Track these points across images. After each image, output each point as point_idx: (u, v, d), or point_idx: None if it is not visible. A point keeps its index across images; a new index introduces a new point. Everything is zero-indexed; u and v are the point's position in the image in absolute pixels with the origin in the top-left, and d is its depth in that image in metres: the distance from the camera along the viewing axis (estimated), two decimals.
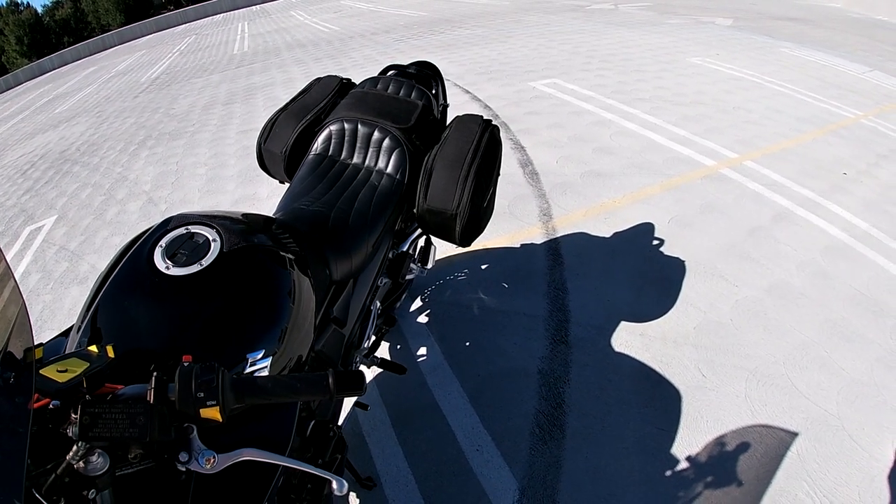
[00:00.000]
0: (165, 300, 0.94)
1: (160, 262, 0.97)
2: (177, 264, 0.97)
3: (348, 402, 1.75)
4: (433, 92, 2.04)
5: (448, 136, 1.77)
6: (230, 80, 9.32)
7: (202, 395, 0.69)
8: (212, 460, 0.73)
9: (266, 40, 14.00)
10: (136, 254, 1.01)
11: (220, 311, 0.96)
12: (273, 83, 8.24)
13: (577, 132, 4.42)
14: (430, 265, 2.28)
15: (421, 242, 2.23)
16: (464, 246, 1.81)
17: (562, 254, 2.85)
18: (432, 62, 2.23)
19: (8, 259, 3.54)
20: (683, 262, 2.70)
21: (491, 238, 3.08)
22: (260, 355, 0.95)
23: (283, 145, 1.83)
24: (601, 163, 3.83)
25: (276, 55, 11.07)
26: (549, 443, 1.86)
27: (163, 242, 1.01)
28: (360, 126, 1.75)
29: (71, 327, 1.03)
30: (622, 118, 4.63)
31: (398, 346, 2.40)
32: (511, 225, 3.20)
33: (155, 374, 0.72)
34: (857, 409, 1.91)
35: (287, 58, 10.47)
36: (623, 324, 2.33)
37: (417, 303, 2.63)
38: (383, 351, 2.38)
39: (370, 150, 1.74)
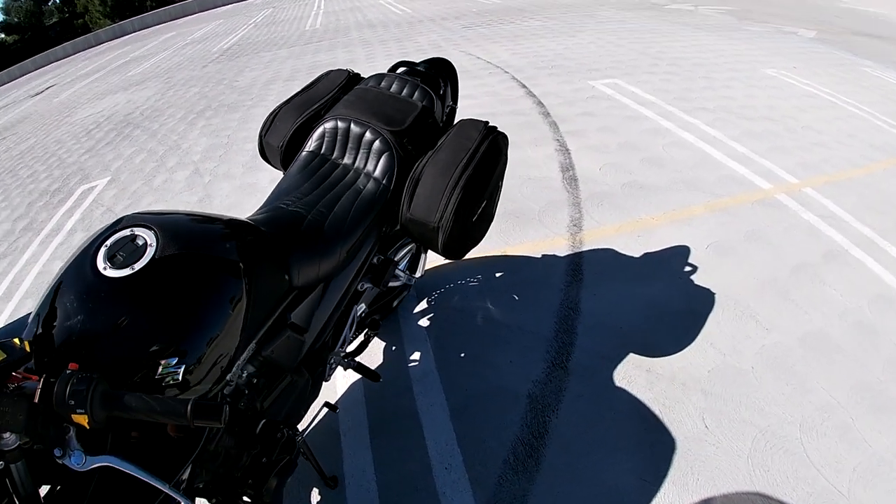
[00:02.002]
0: (94, 300, 0.98)
1: (101, 262, 1.02)
2: (113, 266, 1.01)
3: (316, 404, 1.77)
4: (440, 93, 2.01)
5: (444, 141, 1.74)
6: (296, 56, 9.62)
7: (73, 402, 0.77)
8: (82, 460, 0.80)
9: (339, 18, 14.32)
10: (85, 251, 1.06)
11: (138, 315, 0.98)
12: (336, 63, 8.42)
13: (628, 138, 4.24)
14: (418, 274, 2.26)
15: (412, 249, 2.21)
16: (450, 259, 1.77)
17: (583, 270, 2.75)
18: (448, 60, 2.20)
19: (58, 215, 3.86)
20: (713, 294, 2.53)
21: (512, 244, 3.02)
22: (174, 362, 0.99)
23: (281, 139, 1.86)
24: (647, 174, 3.65)
25: (344, 34, 11.31)
26: (520, 474, 1.81)
27: (109, 241, 1.06)
28: (353, 125, 1.75)
29: None
30: (680, 128, 4.40)
31: (393, 348, 2.41)
32: (537, 232, 3.12)
33: (44, 376, 0.80)
34: (871, 493, 1.71)
35: (355, 38, 10.67)
36: (631, 356, 2.22)
37: (423, 304, 2.62)
38: (376, 349, 2.39)
39: (360, 151, 1.74)
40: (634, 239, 2.97)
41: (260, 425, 1.38)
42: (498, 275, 2.79)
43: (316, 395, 1.69)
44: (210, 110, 6.82)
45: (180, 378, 0.99)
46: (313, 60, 8.89)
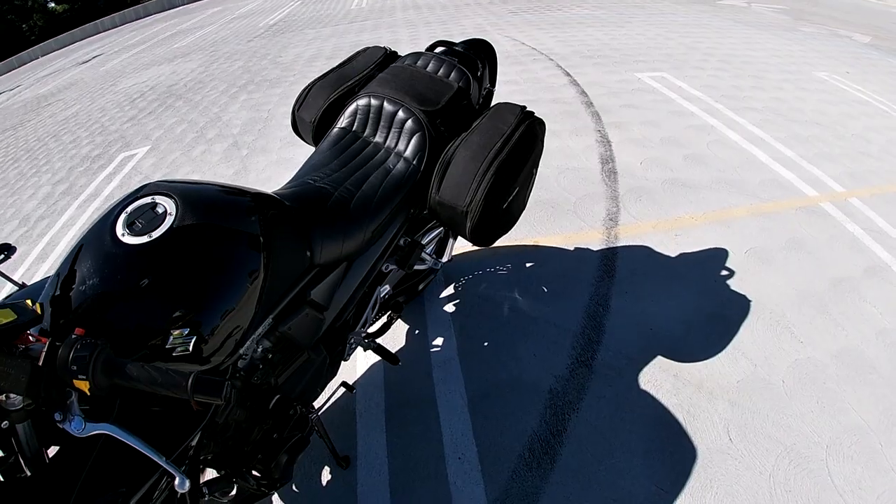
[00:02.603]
0: (110, 266, 0.98)
1: (119, 229, 1.02)
2: (132, 233, 1.01)
3: (334, 383, 1.77)
4: (478, 74, 1.96)
5: (478, 124, 1.70)
6: (340, 34, 9.65)
7: (75, 368, 0.77)
8: (81, 426, 0.81)
9: None
10: (106, 216, 1.06)
11: (152, 284, 0.98)
12: (378, 42, 8.40)
13: (672, 134, 4.10)
14: (445, 259, 2.23)
15: (440, 233, 2.18)
16: (478, 245, 1.74)
17: (615, 266, 2.68)
18: (488, 41, 2.14)
19: (98, 181, 3.98)
20: (749, 302, 2.43)
21: (545, 234, 2.96)
22: (186, 332, 0.98)
23: (313, 114, 1.86)
24: (689, 172, 3.52)
25: (389, 14, 11.28)
26: (534, 470, 1.78)
27: (129, 208, 1.06)
28: (386, 104, 1.73)
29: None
30: (726, 126, 4.23)
31: (416, 331, 2.40)
32: (571, 224, 3.05)
33: (49, 339, 0.81)
34: None
35: (399, 18, 10.63)
36: (659, 359, 2.15)
37: (449, 290, 2.60)
38: (399, 331, 2.38)
39: (392, 130, 1.72)
40: (671, 238, 2.87)
41: (273, 401, 1.39)
42: (528, 265, 2.74)
43: (334, 374, 1.68)
44: (252, 84, 6.90)
45: (191, 349, 0.99)
46: (356, 39, 8.90)
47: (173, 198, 1.07)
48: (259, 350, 1.27)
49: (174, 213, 1.04)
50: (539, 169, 1.98)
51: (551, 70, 5.85)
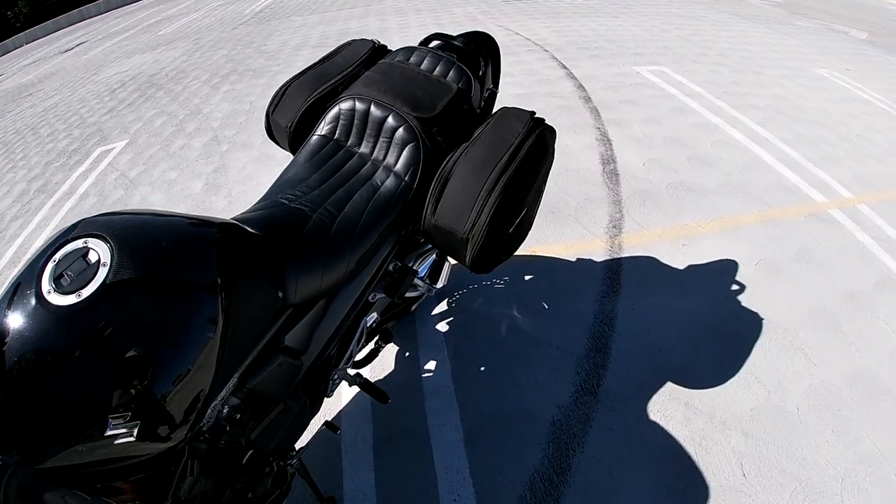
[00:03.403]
0: (33, 337, 0.78)
1: (45, 284, 0.82)
2: (58, 289, 0.81)
3: (315, 422, 1.61)
4: (480, 73, 1.75)
5: (481, 134, 1.49)
6: (328, 22, 9.37)
7: None
8: None
9: None
10: (31, 266, 0.86)
11: (82, 357, 0.79)
12: (366, 31, 8.16)
13: (674, 132, 3.93)
14: (440, 284, 2.05)
15: (433, 256, 2.00)
16: (477, 273, 1.54)
17: (621, 280, 2.52)
18: (490, 35, 1.93)
19: (73, 177, 3.76)
20: (761, 320, 2.28)
21: (545, 244, 2.80)
22: (126, 417, 0.80)
23: (290, 118, 1.65)
24: (695, 175, 3.36)
25: (379, 1, 10.98)
26: None
27: (57, 256, 0.85)
28: (373, 108, 1.52)
29: None
30: (729, 125, 4.06)
31: (406, 354, 2.24)
32: (573, 232, 2.89)
33: None
34: None
35: (389, 5, 10.34)
36: (668, 385, 2.00)
37: (442, 306, 2.44)
38: (388, 354, 2.22)
39: (381, 139, 1.51)
40: (678, 247, 2.72)
41: (247, 456, 1.23)
42: (527, 278, 2.58)
43: (315, 413, 1.52)
44: (235, 74, 6.66)
45: (134, 436, 0.81)
46: (344, 27, 8.63)
47: (108, 242, 0.86)
48: (225, 410, 1.10)
49: (108, 262, 0.84)
50: None
51: (546, 62, 5.65)
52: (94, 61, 10.25)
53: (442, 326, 2.34)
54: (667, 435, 1.85)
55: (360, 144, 1.54)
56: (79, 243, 0.86)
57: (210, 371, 0.94)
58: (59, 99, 7.72)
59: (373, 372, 2.17)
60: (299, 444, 1.59)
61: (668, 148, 3.70)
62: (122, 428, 0.79)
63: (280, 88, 1.71)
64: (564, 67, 5.42)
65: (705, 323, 2.27)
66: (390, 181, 1.46)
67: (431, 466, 1.81)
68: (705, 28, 7.26)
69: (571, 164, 3.54)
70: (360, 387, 1.66)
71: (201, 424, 1.02)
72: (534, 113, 1.53)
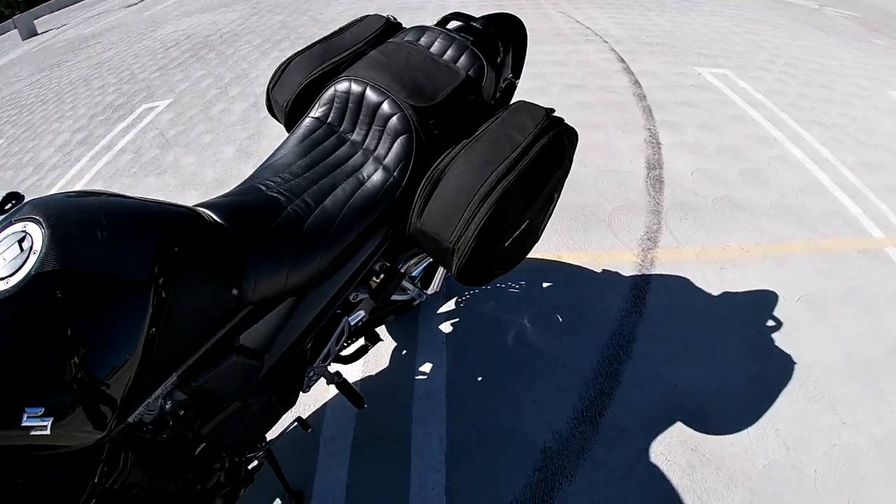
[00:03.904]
0: None
1: None
2: None
3: (284, 421, 1.53)
4: (497, 60, 1.58)
5: (486, 129, 1.34)
6: None
7: None
8: None
9: None
10: None
11: (6, 346, 0.77)
12: (425, 7, 7.98)
13: (730, 142, 3.63)
14: (432, 290, 1.91)
15: (429, 259, 1.84)
16: (467, 286, 1.39)
17: (646, 299, 2.33)
18: (518, 17, 1.75)
19: (114, 132, 3.81)
20: (794, 365, 2.05)
21: (571, 250, 2.62)
22: (40, 412, 0.76)
23: (287, 96, 1.55)
24: (746, 192, 3.08)
25: None
26: None
27: (0, 237, 0.83)
28: (368, 92, 1.39)
29: None
30: (790, 140, 3.71)
31: (403, 351, 2.13)
32: (603, 240, 2.70)
33: None
34: None
35: None
36: (678, 425, 1.82)
37: (449, 305, 2.31)
38: (382, 347, 2.12)
39: (373, 127, 1.38)
40: (716, 271, 2.49)
41: (199, 449, 1.15)
42: (545, 284, 2.42)
43: (288, 408, 1.42)
44: (287, 41, 6.63)
45: (48, 430, 0.76)
46: (402, 2, 8.48)
47: (43, 228, 0.82)
48: (168, 406, 1.01)
49: (38, 250, 0.80)
50: (575, 166, 1.61)
51: (605, 53, 5.36)
52: (155, 18, 10.47)
53: (445, 326, 2.22)
54: (665, 482, 1.67)
55: (352, 131, 1.42)
56: (19, 227, 0.84)
57: (130, 371, 0.86)
58: (114, 53, 7.91)
59: (365, 366, 2.08)
60: (271, 436, 1.51)
61: (720, 158, 3.42)
62: (37, 421, 0.76)
63: (282, 63, 1.61)
64: (622, 61, 5.13)
65: (731, 359, 2.06)
66: (378, 175, 1.34)
67: (407, 476, 1.71)
68: (776, 35, 6.73)
69: (614, 164, 3.32)
70: (337, 387, 1.57)
71: (131, 420, 0.94)
72: (552, 110, 1.36)
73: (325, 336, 1.46)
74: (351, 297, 1.45)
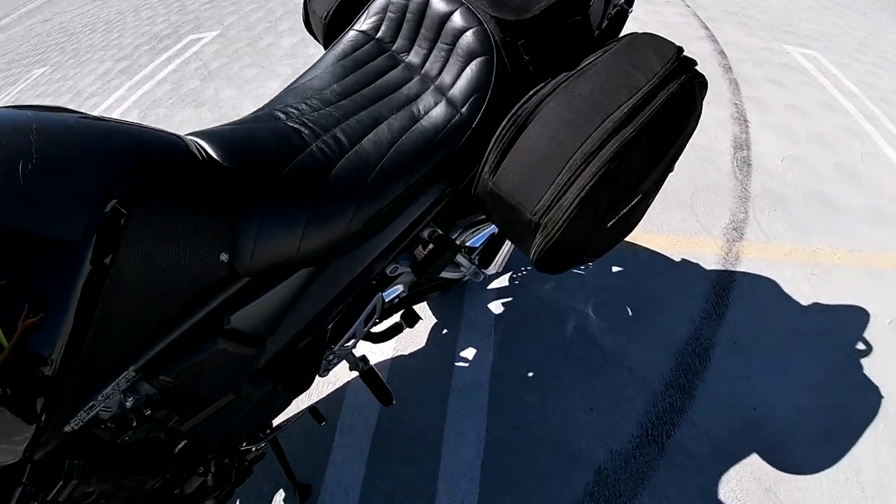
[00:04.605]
0: None
1: None
2: None
3: (293, 412, 1.29)
4: None
5: (596, 63, 0.98)
6: None
7: None
8: None
9: None
10: None
11: None
12: None
13: (821, 130, 3.14)
14: (493, 270, 1.58)
15: (492, 228, 1.50)
16: (544, 272, 1.07)
17: (729, 301, 1.98)
18: None
19: (157, 62, 3.59)
20: (880, 398, 1.68)
21: (646, 231, 2.27)
22: None
23: (326, 6, 1.24)
24: (838, 189, 2.63)
25: None
26: None
27: None
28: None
29: None
30: (884, 138, 3.18)
31: (444, 331, 1.86)
32: (683, 224, 2.34)
33: None
34: None
35: None
36: (753, 457, 1.49)
37: (502, 281, 2.02)
38: (421, 325, 1.84)
39: (439, 44, 1.05)
40: (806, 276, 2.11)
41: (179, 446, 0.91)
42: (615, 269, 2.09)
43: (301, 392, 1.17)
44: None
45: None
46: None
47: None
48: (131, 402, 0.76)
49: None
50: None
51: (687, 17, 4.84)
52: None
53: (495, 306, 1.93)
54: None
55: (409, 50, 1.09)
56: None
57: (52, 367, 0.60)
58: None
59: (397, 344, 1.82)
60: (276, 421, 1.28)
61: (811, 147, 2.97)
62: None
63: None
64: (706, 28, 4.61)
65: (814, 382, 1.71)
66: (439, 111, 1.00)
67: (434, 481, 1.46)
68: (866, 24, 5.98)
69: (698, 138, 2.89)
70: (361, 377, 1.30)
71: (69, 430, 0.69)
72: (681, 49, 1.01)
73: (353, 314, 1.18)
74: (388, 270, 1.16)
